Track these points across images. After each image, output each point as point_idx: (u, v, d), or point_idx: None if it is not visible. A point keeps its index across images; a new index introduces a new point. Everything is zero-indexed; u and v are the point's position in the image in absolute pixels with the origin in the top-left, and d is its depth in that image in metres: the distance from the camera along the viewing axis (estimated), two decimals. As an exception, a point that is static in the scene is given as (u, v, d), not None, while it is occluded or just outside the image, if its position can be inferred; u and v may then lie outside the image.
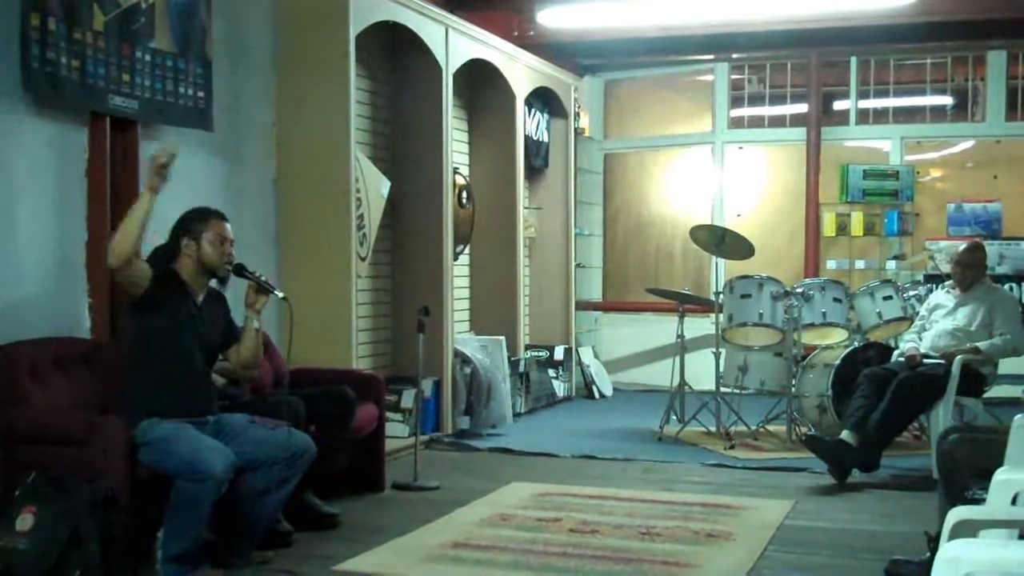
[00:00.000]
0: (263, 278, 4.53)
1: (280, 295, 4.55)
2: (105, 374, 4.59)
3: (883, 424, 6.06)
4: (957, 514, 2.69)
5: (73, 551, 3.78)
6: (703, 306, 8.07)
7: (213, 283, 4.50)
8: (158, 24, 5.33)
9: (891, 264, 9.41)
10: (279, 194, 6.47)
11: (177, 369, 4.28)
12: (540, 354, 9.04)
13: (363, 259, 6.71)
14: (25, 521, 3.80)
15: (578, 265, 9.86)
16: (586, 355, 9.82)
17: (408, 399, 7.02)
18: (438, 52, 7.31)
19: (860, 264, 9.56)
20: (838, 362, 7.06)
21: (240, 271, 4.50)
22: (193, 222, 4.41)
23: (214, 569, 4.24)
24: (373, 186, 6.80)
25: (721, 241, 7.52)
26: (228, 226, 4.45)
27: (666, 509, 5.41)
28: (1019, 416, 3.43)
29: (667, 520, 5.16)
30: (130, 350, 4.34)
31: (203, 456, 4.07)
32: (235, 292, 4.64)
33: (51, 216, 4.84)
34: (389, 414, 6.87)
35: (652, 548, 4.68)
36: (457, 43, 7.54)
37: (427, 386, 7.23)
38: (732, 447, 7.03)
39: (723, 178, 10.29)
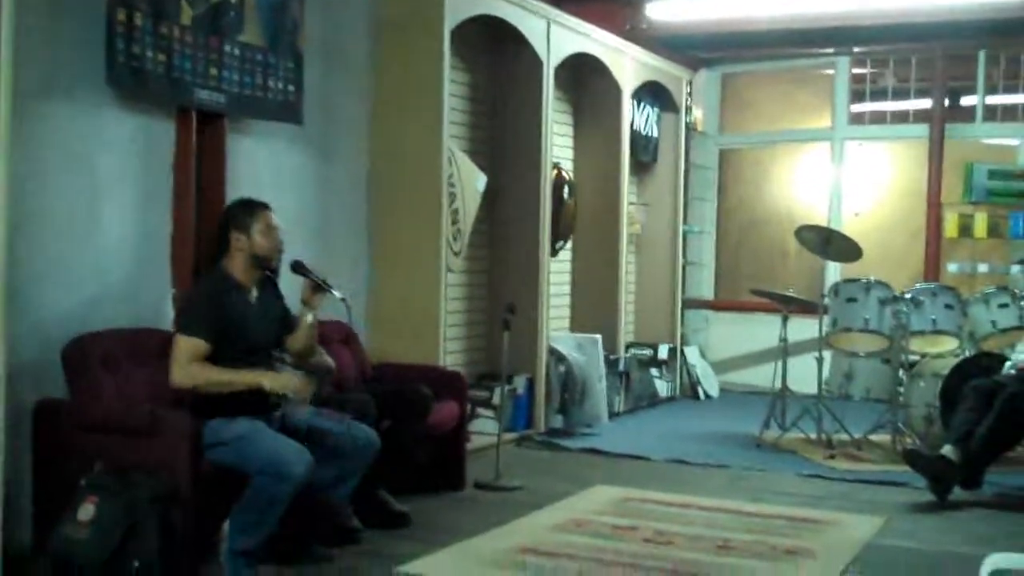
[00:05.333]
0: (321, 277, 4.48)
1: (339, 295, 4.50)
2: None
3: (988, 441, 5.73)
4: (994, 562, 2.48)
5: (131, 543, 3.81)
6: (808, 308, 7.79)
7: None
8: (247, 18, 5.34)
9: (1016, 268, 8.92)
10: (371, 189, 6.46)
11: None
12: (643, 353, 8.88)
13: (457, 254, 6.68)
14: (87, 511, 3.84)
15: (688, 262, 9.65)
16: (692, 355, 9.60)
17: (499, 396, 6.96)
18: (539, 46, 7.20)
19: (983, 268, 9.10)
20: (947, 372, 6.74)
21: (298, 268, 4.49)
22: (240, 215, 4.35)
23: (279, 566, 4.25)
24: (469, 181, 6.75)
25: (827, 242, 7.24)
26: (274, 215, 4.39)
27: (748, 521, 5.22)
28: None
29: (746, 534, 4.98)
30: None
31: (286, 457, 4.04)
32: (291, 287, 4.62)
33: (136, 209, 4.89)
34: (481, 410, 6.86)
35: (724, 563, 4.52)
36: (559, 37, 7.42)
37: (520, 383, 7.17)
38: (832, 456, 6.77)
39: (842, 175, 9.93)
